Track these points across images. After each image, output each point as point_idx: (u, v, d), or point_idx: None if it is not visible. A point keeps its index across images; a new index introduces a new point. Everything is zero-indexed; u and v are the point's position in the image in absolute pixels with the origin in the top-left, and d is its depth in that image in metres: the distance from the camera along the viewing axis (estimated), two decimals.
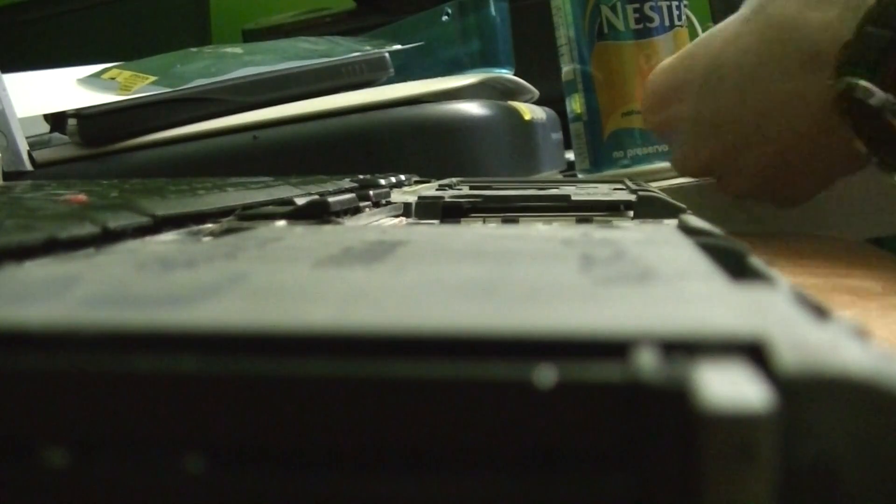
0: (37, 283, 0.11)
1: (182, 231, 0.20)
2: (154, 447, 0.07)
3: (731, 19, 0.44)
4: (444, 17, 0.78)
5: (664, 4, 0.58)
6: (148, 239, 0.18)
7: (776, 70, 0.41)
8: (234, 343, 0.08)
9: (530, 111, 0.61)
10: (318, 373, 0.07)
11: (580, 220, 0.27)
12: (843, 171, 0.45)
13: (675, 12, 0.58)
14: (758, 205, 0.50)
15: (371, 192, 0.27)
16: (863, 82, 0.36)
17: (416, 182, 0.41)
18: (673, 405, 0.07)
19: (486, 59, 0.77)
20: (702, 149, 0.46)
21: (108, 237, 0.17)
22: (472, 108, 0.55)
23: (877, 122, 0.36)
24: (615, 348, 0.08)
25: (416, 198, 0.29)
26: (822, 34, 0.39)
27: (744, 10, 0.43)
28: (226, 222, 0.21)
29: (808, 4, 0.40)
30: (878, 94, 0.35)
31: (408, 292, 0.10)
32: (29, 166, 0.55)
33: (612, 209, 0.28)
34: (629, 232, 0.17)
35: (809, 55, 0.40)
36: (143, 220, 0.19)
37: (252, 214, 0.22)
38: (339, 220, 0.22)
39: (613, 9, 0.57)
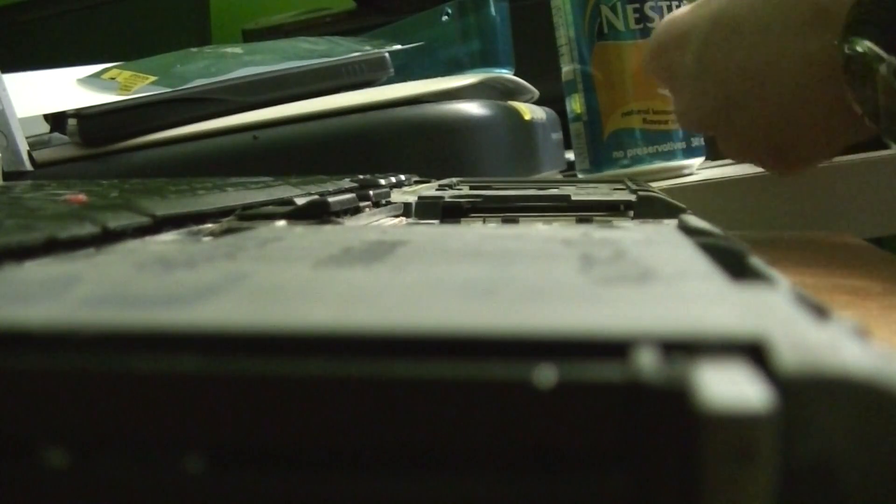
0: (37, 283, 0.11)
1: (182, 231, 0.20)
2: (154, 447, 0.07)
3: None
4: (444, 17, 0.78)
5: (664, 4, 0.58)
6: (148, 239, 0.18)
7: (783, 25, 0.41)
8: (234, 343, 0.08)
9: (530, 111, 0.61)
10: (318, 373, 0.07)
11: (580, 220, 0.27)
12: (847, 138, 0.44)
13: None
14: (756, 205, 0.50)
15: (371, 192, 0.27)
16: (871, 45, 0.35)
17: (416, 182, 0.41)
18: (673, 405, 0.07)
19: (486, 59, 0.77)
20: (703, 100, 0.45)
21: (108, 237, 0.17)
22: (472, 108, 0.55)
23: (884, 87, 0.35)
24: (615, 348, 0.08)
25: (416, 198, 0.29)
26: None
27: None
28: (226, 222, 0.21)
29: None
30: (888, 60, 0.35)
31: (408, 292, 0.10)
32: (29, 166, 0.55)
33: (612, 209, 0.28)
34: (629, 232, 0.17)
35: (817, 12, 0.39)
36: (143, 220, 0.19)
37: (252, 214, 0.22)
38: (339, 220, 0.22)
39: (613, 9, 0.57)
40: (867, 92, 0.36)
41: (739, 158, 0.48)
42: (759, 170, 0.51)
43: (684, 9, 0.48)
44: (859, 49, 0.35)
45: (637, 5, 0.57)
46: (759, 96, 0.43)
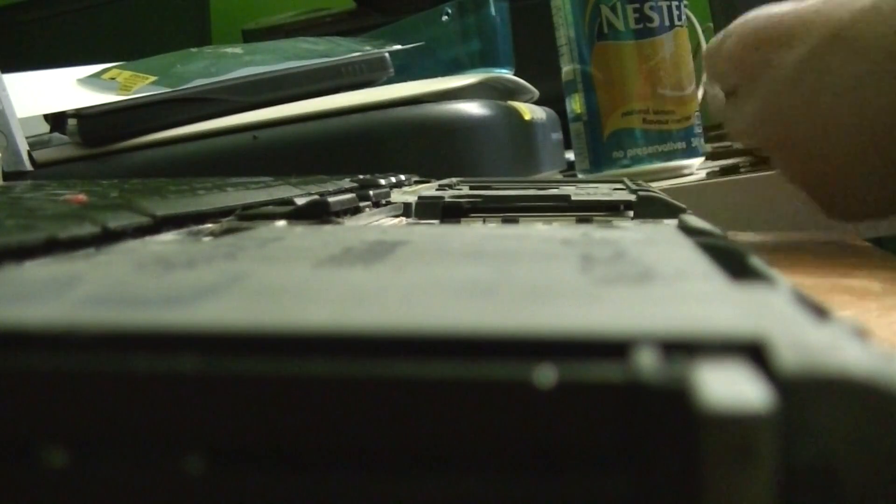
0: (37, 283, 0.11)
1: (182, 231, 0.20)
2: (154, 447, 0.07)
3: None
4: (444, 17, 0.78)
5: (664, 4, 0.58)
6: (148, 239, 0.18)
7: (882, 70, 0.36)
8: (234, 343, 0.08)
9: (530, 111, 0.61)
10: (318, 373, 0.07)
11: (580, 220, 0.27)
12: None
13: (675, 12, 0.58)
14: (756, 205, 0.50)
15: (371, 192, 0.27)
16: None
17: (416, 182, 0.41)
18: (673, 405, 0.07)
19: (486, 59, 0.77)
20: (783, 113, 0.40)
21: (108, 237, 0.17)
22: (472, 108, 0.55)
23: None
24: (615, 348, 0.08)
25: (416, 198, 0.29)
26: None
27: None
28: (226, 222, 0.21)
29: None
30: None
31: (408, 292, 0.10)
32: (29, 166, 0.55)
33: (612, 209, 0.28)
34: (629, 232, 0.17)
35: None
36: (143, 220, 0.19)
37: (252, 214, 0.22)
38: (339, 220, 0.22)
39: (613, 9, 0.57)
40: None
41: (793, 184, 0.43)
42: (759, 170, 0.51)
43: (787, 7, 0.41)
44: None
45: (637, 5, 0.57)
46: (823, 143, 0.38)
